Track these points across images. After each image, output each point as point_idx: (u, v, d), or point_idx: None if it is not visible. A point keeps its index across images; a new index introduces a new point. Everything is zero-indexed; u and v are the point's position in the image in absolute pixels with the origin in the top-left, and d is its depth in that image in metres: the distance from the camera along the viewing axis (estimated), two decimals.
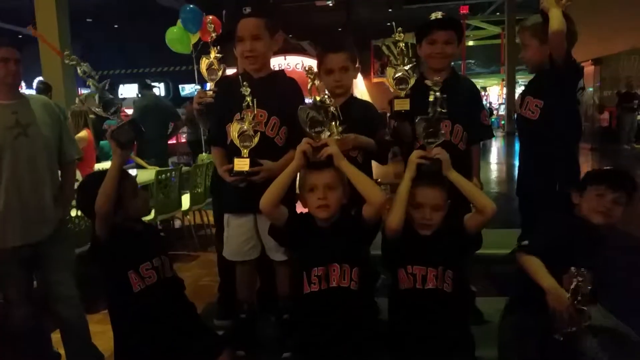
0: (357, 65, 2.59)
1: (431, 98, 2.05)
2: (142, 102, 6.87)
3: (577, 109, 2.72)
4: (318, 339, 1.99)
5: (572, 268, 1.89)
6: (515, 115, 2.81)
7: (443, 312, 2.01)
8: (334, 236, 2.03)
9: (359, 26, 25.32)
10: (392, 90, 2.29)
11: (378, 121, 2.62)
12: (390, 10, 24.69)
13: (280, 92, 2.36)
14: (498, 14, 22.50)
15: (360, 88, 29.36)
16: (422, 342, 2.00)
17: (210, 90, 2.53)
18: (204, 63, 2.56)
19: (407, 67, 2.27)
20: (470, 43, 25.73)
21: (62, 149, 2.82)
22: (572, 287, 1.87)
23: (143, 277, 2.10)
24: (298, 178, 2.16)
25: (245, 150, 2.25)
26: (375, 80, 28.22)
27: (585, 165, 12.32)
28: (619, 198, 2.06)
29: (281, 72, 2.58)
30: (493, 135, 2.78)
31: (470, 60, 27.16)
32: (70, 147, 2.88)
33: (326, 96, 2.08)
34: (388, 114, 2.49)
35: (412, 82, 2.26)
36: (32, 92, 11.00)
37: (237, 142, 2.24)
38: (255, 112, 2.22)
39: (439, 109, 2.06)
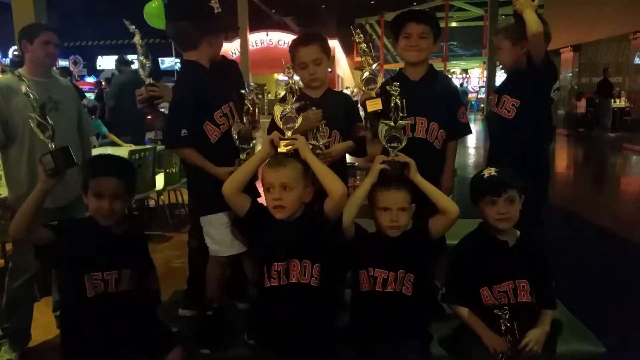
0: (331, 55, 2.58)
1: (392, 104, 2.10)
2: (121, 78, 6.79)
3: (550, 110, 2.78)
4: (278, 332, 2.02)
5: (495, 310, 1.98)
6: (485, 112, 2.82)
7: (401, 314, 2.06)
8: (295, 232, 2.04)
9: (343, 3, 25.13)
10: (363, 90, 2.34)
11: (355, 114, 2.62)
12: None
13: (235, 80, 2.35)
14: None
15: (343, 66, 29.32)
16: (380, 340, 2.05)
17: (150, 85, 2.50)
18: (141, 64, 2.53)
19: (373, 67, 2.31)
20: (453, 24, 25.72)
21: (81, 126, 3.14)
22: (502, 328, 1.97)
23: (93, 284, 2.00)
24: None
25: (244, 154, 2.32)
26: (358, 59, 28.13)
27: (562, 151, 12.56)
28: (509, 198, 2.09)
29: (222, 61, 2.57)
30: (470, 132, 2.79)
31: (453, 42, 27.22)
32: (88, 126, 3.27)
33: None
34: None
35: (380, 81, 2.29)
36: (7, 60, 10.75)
37: (235, 142, 2.31)
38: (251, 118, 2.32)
39: (400, 114, 2.11)
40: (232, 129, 2.29)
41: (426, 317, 2.20)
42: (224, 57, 2.63)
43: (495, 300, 2.06)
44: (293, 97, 2.13)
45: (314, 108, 2.23)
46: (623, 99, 15.30)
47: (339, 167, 2.38)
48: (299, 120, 2.12)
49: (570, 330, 2.30)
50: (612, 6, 12.86)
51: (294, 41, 2.56)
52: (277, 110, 2.13)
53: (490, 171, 2.14)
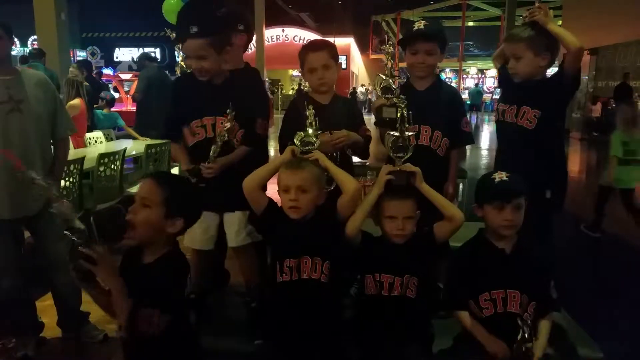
0: (339, 62, 2.68)
1: (398, 115, 2.15)
2: (147, 73, 6.95)
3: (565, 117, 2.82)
4: (288, 327, 2.10)
5: (518, 319, 1.94)
6: (497, 120, 2.77)
7: (405, 316, 2.12)
8: (308, 230, 2.11)
9: (360, 1, 25.09)
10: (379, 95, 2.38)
11: (360, 118, 2.75)
12: None
13: (238, 96, 2.44)
14: None
15: (358, 63, 29.32)
16: (384, 340, 2.11)
17: None
18: None
19: (394, 78, 2.35)
20: (470, 24, 25.58)
21: (55, 125, 2.86)
22: (519, 337, 1.92)
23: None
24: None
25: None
26: (373, 56, 28.06)
27: (575, 155, 12.47)
28: (517, 205, 2.07)
29: (242, 70, 2.66)
30: (473, 142, 2.86)
31: (469, 42, 27.08)
32: (63, 124, 2.91)
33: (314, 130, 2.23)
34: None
35: (396, 92, 2.33)
36: (26, 50, 10.95)
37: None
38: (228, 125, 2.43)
39: (406, 125, 2.16)
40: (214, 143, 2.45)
41: (428, 318, 2.25)
42: (240, 71, 2.71)
43: (480, 311, 2.06)
44: (313, 127, 2.21)
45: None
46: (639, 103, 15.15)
47: (346, 168, 2.46)
48: (317, 143, 2.22)
49: (568, 334, 2.34)
50: (630, 10, 12.75)
51: (303, 47, 2.66)
52: (298, 137, 2.23)
53: (502, 175, 2.10)
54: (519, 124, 2.62)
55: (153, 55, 7.68)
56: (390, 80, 2.30)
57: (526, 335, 1.91)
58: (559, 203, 2.70)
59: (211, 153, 2.44)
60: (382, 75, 2.33)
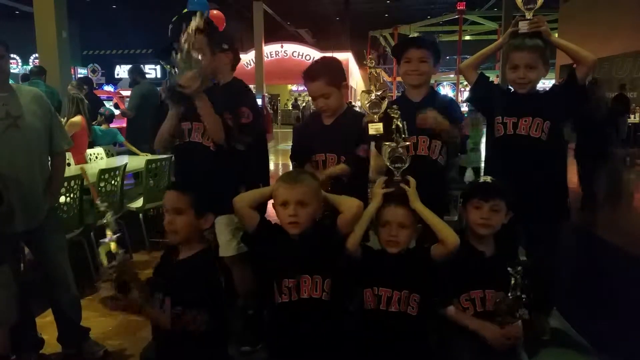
0: (344, 83, 2.66)
1: (393, 126, 2.17)
2: (141, 89, 6.96)
3: None
4: (290, 348, 2.05)
5: (509, 269, 1.97)
6: (500, 135, 2.68)
7: (405, 333, 2.08)
8: (305, 248, 2.06)
9: (357, 16, 25.30)
10: (367, 112, 2.37)
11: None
12: (388, 1, 24.66)
13: (220, 102, 2.48)
14: (495, 9, 22.53)
15: (356, 77, 29.47)
16: (384, 353, 2.08)
17: None
18: None
19: (379, 93, 2.35)
20: (467, 38, 25.74)
21: (52, 139, 2.86)
22: (512, 283, 1.96)
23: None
24: None
25: None
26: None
27: (573, 166, 12.45)
28: (495, 206, 2.15)
29: (228, 84, 2.78)
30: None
31: (466, 56, 27.17)
32: (60, 138, 2.91)
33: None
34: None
35: (384, 106, 2.31)
36: (27, 68, 11.04)
37: None
38: None
39: (403, 136, 2.18)
40: None
41: (431, 335, 2.20)
42: (233, 79, 2.84)
43: (462, 308, 2.13)
44: None
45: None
46: (637, 114, 15.18)
47: (360, 182, 2.57)
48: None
49: (571, 346, 2.33)
50: (626, 22, 12.87)
51: (303, 73, 2.66)
52: None
53: (486, 178, 2.25)
54: (533, 136, 2.58)
55: (153, 70, 7.69)
56: (376, 95, 2.30)
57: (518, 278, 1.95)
58: (565, 215, 2.79)
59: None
60: (365, 92, 2.35)
